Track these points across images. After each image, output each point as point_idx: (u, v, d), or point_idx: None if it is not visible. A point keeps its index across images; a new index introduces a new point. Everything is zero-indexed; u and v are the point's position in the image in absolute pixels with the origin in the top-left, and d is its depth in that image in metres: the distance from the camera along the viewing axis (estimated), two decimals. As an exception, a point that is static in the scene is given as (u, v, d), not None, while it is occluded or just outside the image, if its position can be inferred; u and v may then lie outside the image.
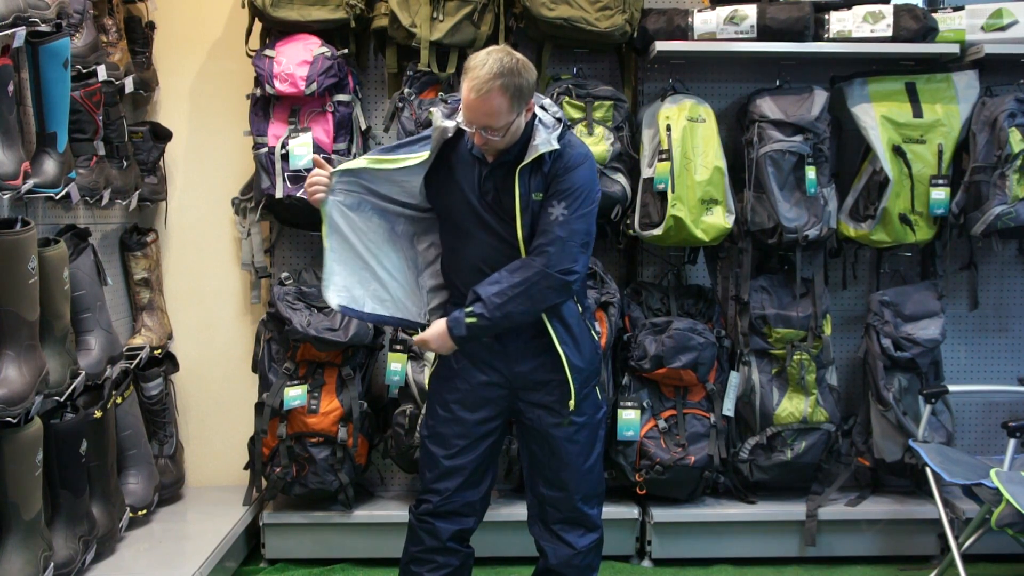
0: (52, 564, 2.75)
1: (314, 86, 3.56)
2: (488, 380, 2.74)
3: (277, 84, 3.57)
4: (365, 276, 2.75)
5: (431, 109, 2.80)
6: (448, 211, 2.74)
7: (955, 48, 3.74)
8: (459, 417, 2.76)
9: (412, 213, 2.84)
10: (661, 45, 3.69)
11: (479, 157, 2.68)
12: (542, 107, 2.70)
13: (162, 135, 3.86)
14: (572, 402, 2.70)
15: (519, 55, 2.58)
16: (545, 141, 2.61)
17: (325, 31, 3.69)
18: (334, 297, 2.71)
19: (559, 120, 2.69)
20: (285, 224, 3.89)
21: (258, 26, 3.77)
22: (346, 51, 3.71)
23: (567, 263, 2.60)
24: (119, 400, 3.31)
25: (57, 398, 2.83)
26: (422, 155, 2.71)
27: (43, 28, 2.74)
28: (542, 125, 2.65)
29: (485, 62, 2.51)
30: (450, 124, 2.70)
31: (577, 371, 2.71)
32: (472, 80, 2.50)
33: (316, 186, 2.68)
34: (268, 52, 3.63)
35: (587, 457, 2.79)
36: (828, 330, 3.82)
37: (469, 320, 2.61)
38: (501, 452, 3.00)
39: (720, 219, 3.65)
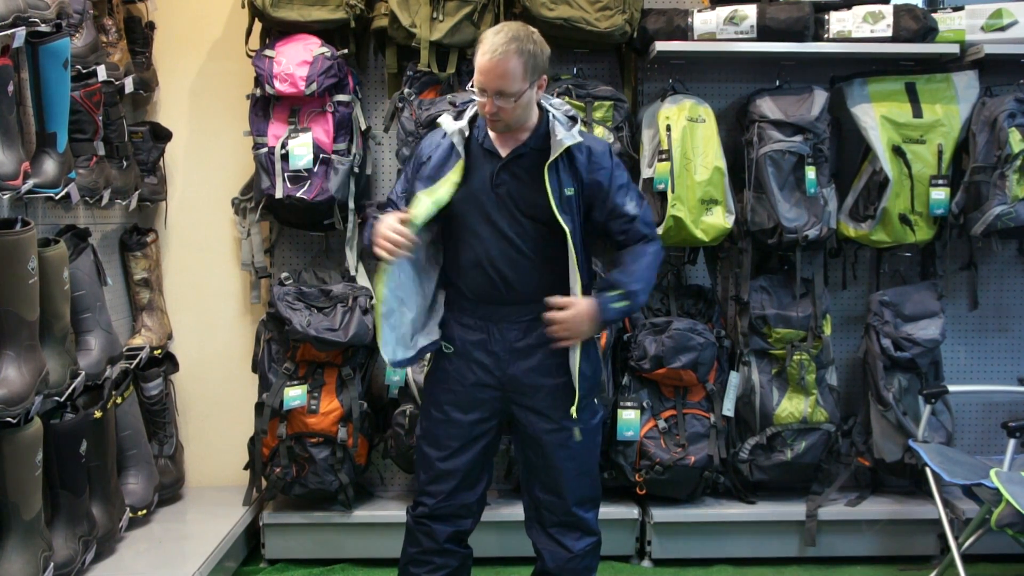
0: (52, 564, 2.75)
1: (314, 86, 3.56)
2: (480, 381, 2.72)
3: (277, 84, 3.57)
4: (403, 331, 2.71)
5: (439, 120, 2.79)
6: (454, 208, 2.69)
7: (955, 48, 3.74)
8: (452, 418, 2.74)
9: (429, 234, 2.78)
10: (661, 45, 3.69)
11: (490, 150, 2.67)
12: (551, 106, 2.71)
13: (162, 135, 3.86)
14: (574, 408, 2.66)
15: (533, 28, 2.63)
16: (569, 135, 2.63)
17: (325, 31, 3.69)
18: (389, 355, 2.69)
19: (572, 118, 2.71)
20: (285, 224, 3.89)
21: (258, 26, 3.77)
22: (346, 51, 3.71)
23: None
24: (119, 400, 3.31)
25: (57, 398, 2.83)
26: (459, 164, 2.68)
27: (43, 28, 2.74)
28: (558, 122, 2.66)
29: (500, 29, 2.57)
30: (460, 125, 2.70)
31: (584, 378, 2.69)
32: (487, 44, 2.54)
33: (399, 248, 2.53)
34: (268, 52, 3.63)
35: (581, 462, 2.75)
36: (828, 330, 3.82)
37: (618, 304, 2.61)
38: (497, 453, 2.98)
39: (720, 219, 3.65)
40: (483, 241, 2.67)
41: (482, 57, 2.54)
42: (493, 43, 2.53)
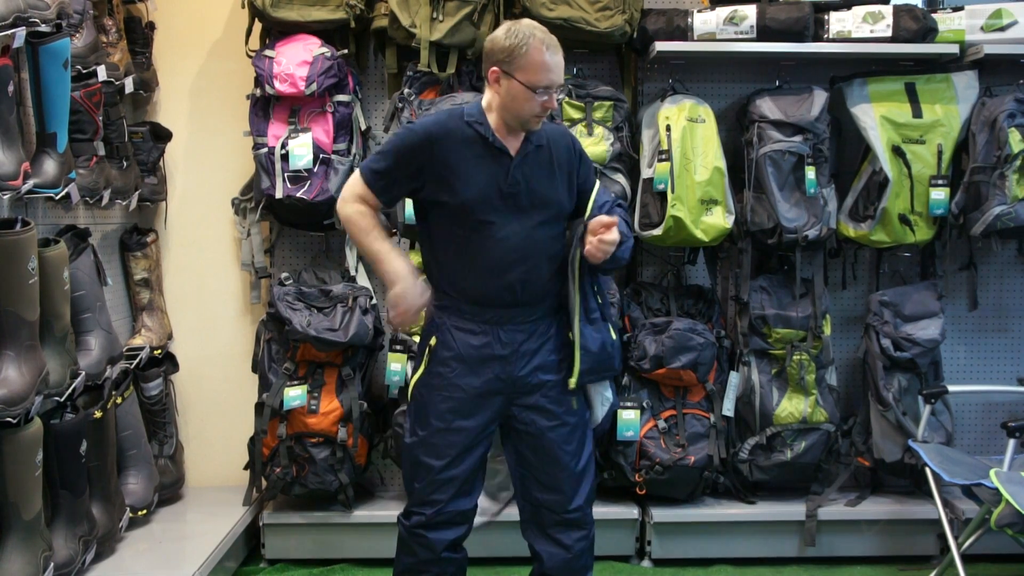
0: (52, 564, 2.75)
1: (314, 86, 3.56)
2: (486, 386, 2.67)
3: (277, 84, 3.57)
4: None
5: None
6: (461, 210, 2.61)
7: (955, 48, 3.74)
8: (454, 426, 2.67)
9: None
10: (661, 45, 3.69)
11: (501, 149, 2.61)
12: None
13: (162, 135, 3.86)
14: (573, 380, 2.67)
15: None
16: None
17: (325, 31, 3.69)
18: None
19: None
20: (285, 224, 3.89)
21: (258, 26, 3.77)
22: (346, 51, 3.71)
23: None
24: (119, 400, 3.32)
25: (57, 398, 2.83)
26: None
27: (43, 28, 2.74)
28: None
29: (533, 26, 2.56)
30: None
31: (588, 352, 2.67)
32: (541, 40, 2.52)
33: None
34: (268, 52, 3.63)
35: (580, 458, 2.75)
36: (828, 330, 3.82)
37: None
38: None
39: (720, 219, 3.65)
40: (499, 243, 2.61)
41: (545, 53, 2.52)
42: (545, 39, 2.53)
